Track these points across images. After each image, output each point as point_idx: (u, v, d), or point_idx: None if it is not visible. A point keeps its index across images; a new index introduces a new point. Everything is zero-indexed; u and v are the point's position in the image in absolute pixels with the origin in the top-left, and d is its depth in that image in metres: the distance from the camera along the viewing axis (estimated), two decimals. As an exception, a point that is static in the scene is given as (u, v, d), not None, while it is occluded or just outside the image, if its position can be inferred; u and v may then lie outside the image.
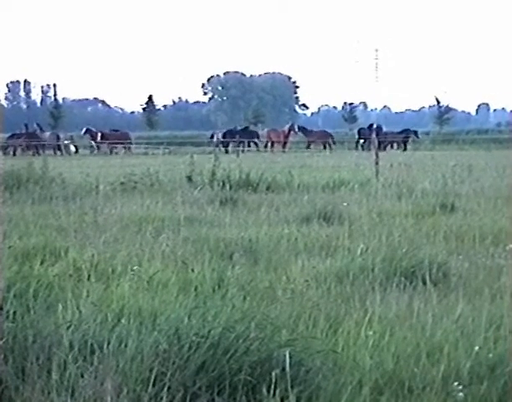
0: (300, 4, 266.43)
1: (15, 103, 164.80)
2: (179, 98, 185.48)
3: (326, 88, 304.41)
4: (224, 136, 66.01)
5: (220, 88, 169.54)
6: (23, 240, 10.96)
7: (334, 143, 68.47)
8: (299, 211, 14.87)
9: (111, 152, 62.44)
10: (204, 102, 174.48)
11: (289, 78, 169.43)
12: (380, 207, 15.43)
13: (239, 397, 5.38)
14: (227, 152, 58.51)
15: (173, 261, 9.47)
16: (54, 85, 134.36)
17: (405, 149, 65.40)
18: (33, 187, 19.25)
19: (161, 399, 5.25)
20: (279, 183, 21.09)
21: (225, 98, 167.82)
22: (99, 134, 66.23)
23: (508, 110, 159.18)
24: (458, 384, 5.51)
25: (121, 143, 63.34)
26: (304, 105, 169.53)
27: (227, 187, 19.40)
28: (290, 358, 5.46)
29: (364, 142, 65.51)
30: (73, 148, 63.47)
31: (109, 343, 5.63)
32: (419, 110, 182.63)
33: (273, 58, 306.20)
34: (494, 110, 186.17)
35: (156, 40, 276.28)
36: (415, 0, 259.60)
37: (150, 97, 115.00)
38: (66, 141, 63.93)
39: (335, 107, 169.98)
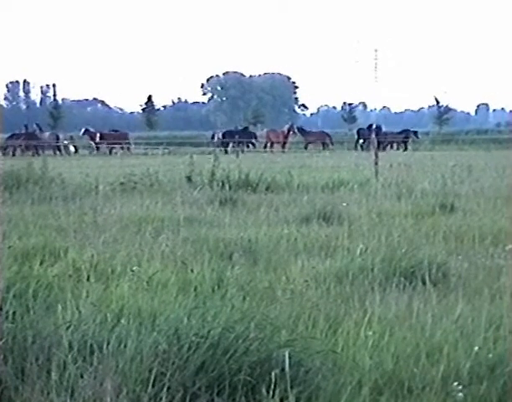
0: (300, 4, 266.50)
1: (14, 103, 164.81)
2: (178, 98, 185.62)
3: (326, 88, 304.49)
4: (223, 136, 66.05)
5: (219, 88, 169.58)
6: (23, 240, 10.96)
7: (332, 144, 68.48)
8: (298, 211, 14.87)
9: (110, 153, 62.45)
10: (204, 102, 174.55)
11: (289, 78, 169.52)
12: (379, 207, 15.43)
13: (239, 397, 5.38)
14: (226, 152, 58.49)
15: (173, 261, 9.47)
16: (54, 86, 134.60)
17: (405, 149, 65.41)
18: (33, 187, 19.24)
19: (161, 399, 5.25)
20: (278, 184, 21.09)
21: (224, 98, 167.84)
22: (98, 134, 66.23)
23: (507, 110, 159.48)
24: (458, 384, 5.51)
25: (120, 143, 63.35)
26: (303, 105, 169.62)
27: (227, 187, 19.39)
28: (290, 358, 5.46)
29: (363, 143, 65.54)
30: (72, 148, 63.48)
31: (108, 344, 5.63)
32: (418, 110, 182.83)
33: (273, 58, 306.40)
34: (494, 110, 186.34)
35: (155, 40, 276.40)
36: (415, 0, 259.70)
37: (149, 97, 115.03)
38: (66, 142, 63.95)
39: (334, 107, 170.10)
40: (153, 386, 5.29)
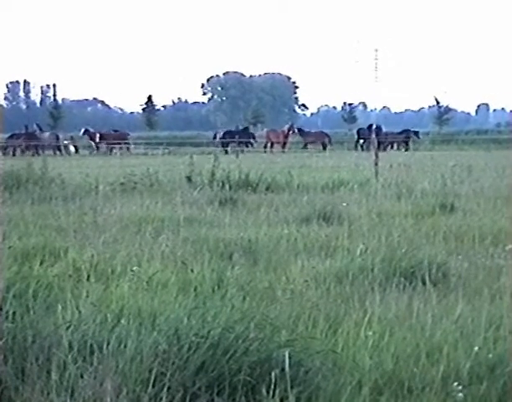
0: (300, 4, 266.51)
1: (14, 103, 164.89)
2: (178, 98, 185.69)
3: (326, 88, 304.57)
4: (223, 136, 66.08)
5: (219, 88, 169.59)
6: (23, 241, 10.96)
7: (330, 144, 68.50)
8: (298, 211, 14.87)
9: (111, 152, 62.47)
10: (204, 102, 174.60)
11: (289, 78, 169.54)
12: (379, 207, 15.42)
13: (239, 397, 5.38)
14: (226, 152, 58.50)
15: (173, 262, 9.47)
16: (54, 86, 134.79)
17: (407, 149, 65.40)
18: (33, 187, 19.25)
19: (161, 399, 5.25)
20: (278, 184, 21.09)
21: (224, 98, 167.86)
22: (98, 135, 66.22)
23: (507, 110, 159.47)
24: (458, 385, 5.51)
25: (119, 143, 63.36)
26: (303, 105, 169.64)
27: (227, 187, 19.40)
28: (290, 358, 5.46)
29: (363, 143, 65.53)
30: (72, 148, 63.50)
31: (108, 344, 5.63)
32: (419, 110, 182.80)
33: (273, 58, 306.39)
34: (494, 110, 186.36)
35: (155, 40, 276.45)
36: (415, 0, 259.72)
37: (149, 97, 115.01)
38: (66, 142, 63.96)
39: (334, 107, 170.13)
40: (153, 386, 5.29)
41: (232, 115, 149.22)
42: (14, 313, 6.31)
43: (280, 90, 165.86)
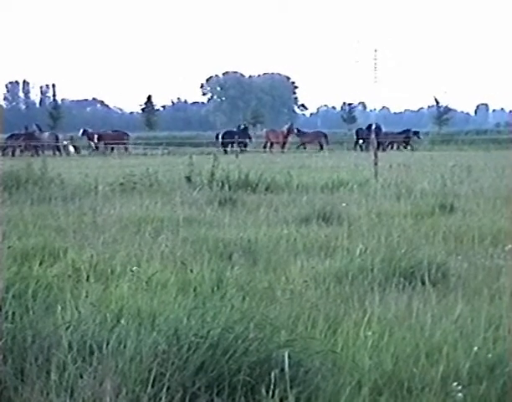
0: (300, 4, 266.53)
1: (14, 103, 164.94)
2: (178, 98, 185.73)
3: (325, 88, 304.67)
4: (223, 136, 66.11)
5: (219, 88, 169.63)
6: (22, 241, 10.95)
7: (327, 143, 68.58)
8: (298, 211, 14.87)
9: (112, 150, 62.45)
10: (203, 103, 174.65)
11: (288, 78, 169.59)
12: (379, 207, 15.42)
13: (238, 397, 5.38)
14: (226, 152, 58.52)
15: (172, 262, 9.47)
16: (53, 86, 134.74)
17: (412, 149, 65.41)
18: (32, 187, 19.23)
19: (160, 399, 5.25)
20: (278, 184, 21.08)
21: (224, 98, 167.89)
22: (96, 135, 66.15)
23: (507, 110, 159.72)
24: (458, 385, 5.51)
25: (118, 144, 63.34)
26: (303, 105, 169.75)
27: (227, 187, 19.38)
28: (289, 358, 5.46)
29: (363, 143, 65.51)
30: (72, 149, 63.48)
31: (108, 344, 5.63)
32: (418, 110, 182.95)
33: (272, 58, 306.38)
34: (493, 110, 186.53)
35: (155, 40, 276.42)
36: (415, 0, 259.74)
37: (149, 97, 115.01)
38: (65, 142, 63.95)
39: (334, 108, 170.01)
40: (153, 386, 5.29)
41: (232, 116, 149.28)
42: (14, 313, 6.31)
43: (280, 91, 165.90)
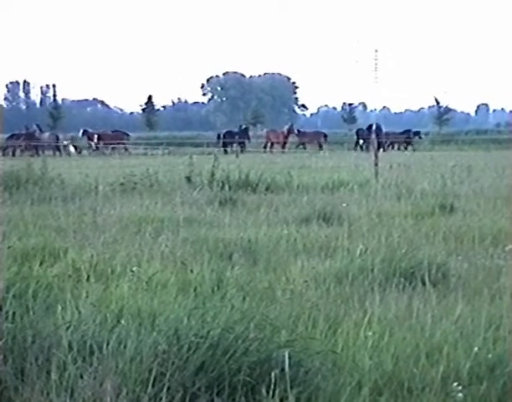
0: (300, 4, 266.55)
1: (14, 104, 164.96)
2: (178, 99, 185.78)
3: (326, 88, 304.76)
4: (224, 136, 66.16)
5: (219, 88, 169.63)
6: (23, 241, 10.95)
7: (326, 141, 68.67)
8: (298, 212, 14.87)
9: (113, 150, 62.45)
10: (203, 103, 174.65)
11: (289, 78, 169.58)
12: (379, 207, 15.42)
13: (238, 397, 5.38)
14: (226, 152, 58.54)
15: (172, 262, 9.47)
16: (54, 86, 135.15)
17: (413, 150, 65.47)
18: (33, 187, 19.24)
19: (161, 399, 5.25)
20: (278, 184, 21.08)
21: (224, 99, 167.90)
22: (96, 135, 66.13)
23: (507, 110, 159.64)
24: (458, 385, 5.51)
25: (118, 144, 63.35)
26: (303, 105, 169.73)
27: (227, 187, 19.38)
28: (289, 358, 5.46)
29: (363, 143, 65.51)
30: (72, 149, 63.50)
31: (108, 344, 5.63)
32: (418, 110, 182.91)
33: (273, 58, 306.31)
34: (494, 110, 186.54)
35: (155, 41, 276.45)
36: (415, 0, 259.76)
37: (149, 98, 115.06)
38: (65, 142, 63.97)
39: (334, 108, 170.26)
40: (153, 386, 5.29)
41: (232, 116, 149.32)
42: (14, 313, 6.31)
43: (280, 91, 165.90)
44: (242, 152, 57.10)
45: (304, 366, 5.60)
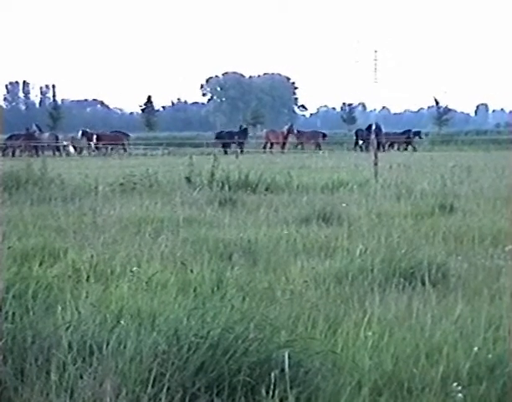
0: (300, 5, 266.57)
1: (14, 104, 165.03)
2: (178, 99, 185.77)
3: (325, 89, 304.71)
4: (222, 137, 66.18)
5: (219, 89, 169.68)
6: (22, 241, 10.95)
7: (324, 139, 68.76)
8: (298, 212, 14.87)
9: (112, 150, 62.49)
10: (203, 103, 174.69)
11: (288, 79, 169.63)
12: (379, 208, 15.42)
13: (238, 398, 5.38)
14: (226, 152, 58.57)
15: (172, 262, 9.47)
16: (53, 86, 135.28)
17: (414, 150, 65.52)
18: (32, 188, 19.24)
19: (160, 399, 5.25)
20: (278, 184, 21.08)
21: (224, 99, 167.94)
22: (95, 136, 66.12)
23: (507, 110, 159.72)
24: (458, 385, 5.51)
25: (117, 144, 63.37)
26: (302, 106, 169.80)
27: (227, 187, 19.38)
28: (289, 358, 5.46)
29: (363, 143, 65.54)
30: (72, 149, 63.51)
31: (108, 344, 5.62)
32: (418, 111, 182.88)
33: (272, 58, 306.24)
34: (493, 110, 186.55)
35: (155, 41, 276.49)
36: (415, 1, 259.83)
37: (149, 98, 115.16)
38: (65, 142, 63.99)
39: (334, 108, 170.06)
40: (153, 387, 5.29)
41: (232, 116, 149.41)
42: (14, 314, 6.31)
43: (280, 91, 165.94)
44: (241, 152, 57.11)
45: (303, 366, 5.60)
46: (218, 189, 19.19)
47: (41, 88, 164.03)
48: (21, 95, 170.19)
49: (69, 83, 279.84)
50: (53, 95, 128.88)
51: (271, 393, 5.31)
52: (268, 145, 67.49)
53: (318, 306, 7.40)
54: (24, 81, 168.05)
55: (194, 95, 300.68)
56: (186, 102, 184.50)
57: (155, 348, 5.48)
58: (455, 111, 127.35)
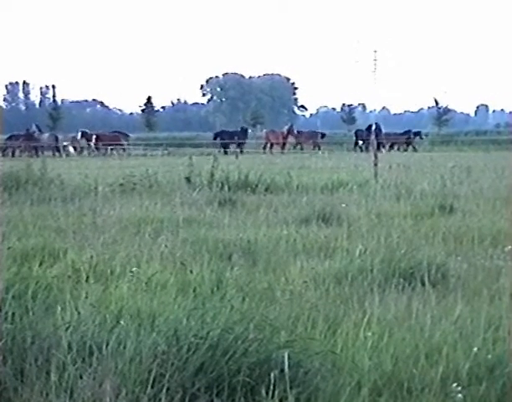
0: (300, 5, 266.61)
1: (14, 104, 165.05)
2: (178, 99, 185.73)
3: (325, 89, 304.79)
4: (221, 137, 66.19)
5: (219, 89, 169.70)
6: (22, 241, 10.96)
7: (322, 138, 68.79)
8: (297, 212, 14.87)
9: (112, 151, 62.50)
10: (203, 103, 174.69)
11: (288, 79, 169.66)
12: (378, 208, 15.42)
13: (238, 398, 5.38)
14: (226, 153, 58.58)
15: (172, 262, 9.47)
16: (53, 87, 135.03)
17: (414, 150, 65.58)
18: (32, 188, 19.25)
19: (160, 400, 5.26)
20: (277, 184, 21.08)
21: (224, 99, 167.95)
22: (94, 136, 66.11)
23: (507, 111, 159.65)
24: (457, 385, 5.51)
25: (116, 144, 63.37)
26: (302, 106, 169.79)
27: (226, 188, 19.39)
28: (289, 359, 5.46)
29: (363, 144, 65.54)
30: (72, 149, 63.52)
31: (107, 345, 5.63)
32: (418, 111, 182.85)
33: (272, 59, 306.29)
34: (493, 111, 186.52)
35: (154, 41, 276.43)
36: (414, 1, 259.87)
37: (148, 98, 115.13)
38: (65, 143, 63.99)
39: (333, 108, 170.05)
40: (152, 387, 5.29)
41: (232, 117, 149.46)
42: (13, 314, 6.31)
43: (279, 91, 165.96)
44: (241, 152, 57.12)
45: (303, 366, 5.60)
46: (218, 190, 19.19)
47: (41, 88, 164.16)
48: (21, 95, 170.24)
49: (68, 83, 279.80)
50: (53, 96, 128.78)
51: (271, 393, 5.32)
52: (268, 145, 67.49)
53: (317, 307, 7.40)
54: (24, 81, 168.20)
55: (194, 96, 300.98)
56: (186, 102, 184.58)
57: (154, 349, 5.48)
58: (455, 112, 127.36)
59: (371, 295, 7.94)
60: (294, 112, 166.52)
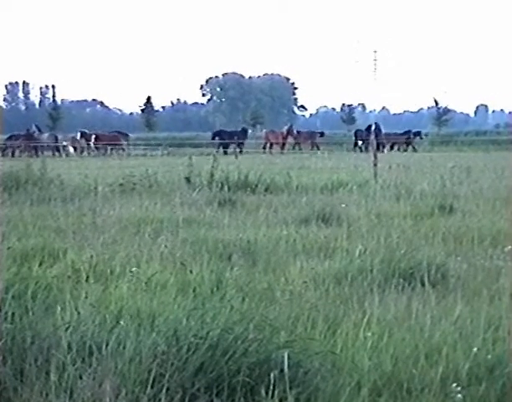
0: (300, 5, 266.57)
1: (14, 104, 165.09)
2: (178, 99, 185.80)
3: (325, 89, 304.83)
4: (220, 137, 66.21)
5: (219, 89, 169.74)
6: (22, 242, 10.95)
7: (321, 137, 68.93)
8: (297, 212, 14.86)
9: (111, 152, 62.52)
10: (203, 103, 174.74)
11: (288, 79, 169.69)
12: (378, 208, 15.42)
13: (238, 398, 5.38)
14: (225, 153, 58.59)
15: (172, 263, 9.47)
16: (53, 87, 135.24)
17: (414, 150, 65.63)
18: (32, 188, 19.24)
19: (160, 400, 5.25)
20: (277, 185, 21.07)
21: (224, 99, 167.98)
22: (93, 136, 66.07)
23: (506, 111, 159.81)
24: (457, 386, 5.51)
25: (115, 144, 63.37)
26: (302, 106, 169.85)
27: (226, 188, 19.38)
28: (289, 359, 5.46)
29: (362, 144, 65.55)
30: (71, 149, 63.52)
31: (107, 345, 5.63)
32: (418, 111, 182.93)
33: (272, 59, 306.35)
34: (493, 111, 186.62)
35: (154, 41, 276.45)
36: (414, 1, 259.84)
37: (148, 98, 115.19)
38: (65, 143, 63.98)
39: (333, 108, 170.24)
40: (152, 387, 5.29)
41: (232, 117, 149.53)
42: (13, 314, 6.31)
43: (279, 91, 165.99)
44: (241, 152, 57.12)
45: (303, 367, 5.60)
46: (218, 190, 19.18)
47: (41, 88, 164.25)
48: (21, 95, 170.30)
49: (68, 83, 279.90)
50: (53, 96, 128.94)
51: (270, 393, 5.32)
52: (268, 145, 67.51)
53: (317, 307, 7.40)
54: (24, 81, 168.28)
55: (194, 96, 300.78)
56: (185, 102, 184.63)
57: (154, 349, 5.48)
58: (455, 112, 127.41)
59: (371, 295, 7.94)
60: (293, 112, 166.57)
